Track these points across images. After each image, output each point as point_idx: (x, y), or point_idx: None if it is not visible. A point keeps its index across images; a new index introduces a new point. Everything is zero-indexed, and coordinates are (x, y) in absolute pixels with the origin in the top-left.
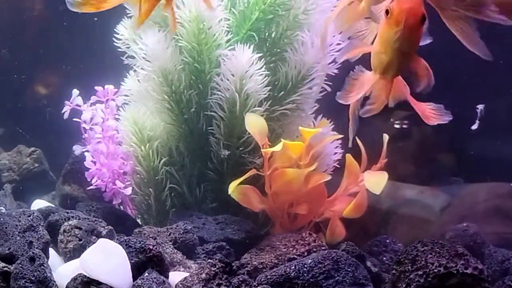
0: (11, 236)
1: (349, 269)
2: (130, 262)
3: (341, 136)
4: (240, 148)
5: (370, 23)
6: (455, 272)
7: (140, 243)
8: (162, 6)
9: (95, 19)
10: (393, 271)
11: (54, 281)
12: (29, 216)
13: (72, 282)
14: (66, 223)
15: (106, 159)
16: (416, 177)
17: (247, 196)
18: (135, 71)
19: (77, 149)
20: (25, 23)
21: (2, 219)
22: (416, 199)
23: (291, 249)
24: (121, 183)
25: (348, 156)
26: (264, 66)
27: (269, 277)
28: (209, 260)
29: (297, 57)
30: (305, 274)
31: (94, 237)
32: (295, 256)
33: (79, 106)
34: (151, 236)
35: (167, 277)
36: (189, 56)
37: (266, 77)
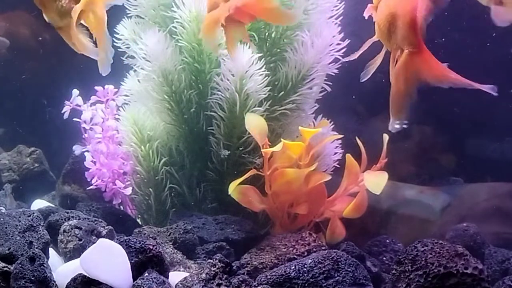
0: (11, 236)
1: (349, 269)
2: (130, 262)
3: (341, 136)
4: (240, 148)
5: None
6: (455, 272)
7: (140, 243)
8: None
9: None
10: (393, 271)
11: (54, 281)
12: (29, 216)
13: (72, 282)
14: (66, 223)
15: (106, 159)
16: (416, 177)
17: (247, 196)
18: (135, 71)
19: (77, 149)
20: (23, 22)
21: (2, 219)
22: (416, 199)
23: (291, 249)
24: (121, 183)
25: (348, 156)
26: (264, 66)
27: (269, 277)
28: (209, 260)
29: (297, 57)
30: (305, 274)
31: (94, 237)
32: (295, 256)
33: (79, 106)
34: (151, 236)
35: (167, 277)
36: (189, 56)
37: (266, 77)
